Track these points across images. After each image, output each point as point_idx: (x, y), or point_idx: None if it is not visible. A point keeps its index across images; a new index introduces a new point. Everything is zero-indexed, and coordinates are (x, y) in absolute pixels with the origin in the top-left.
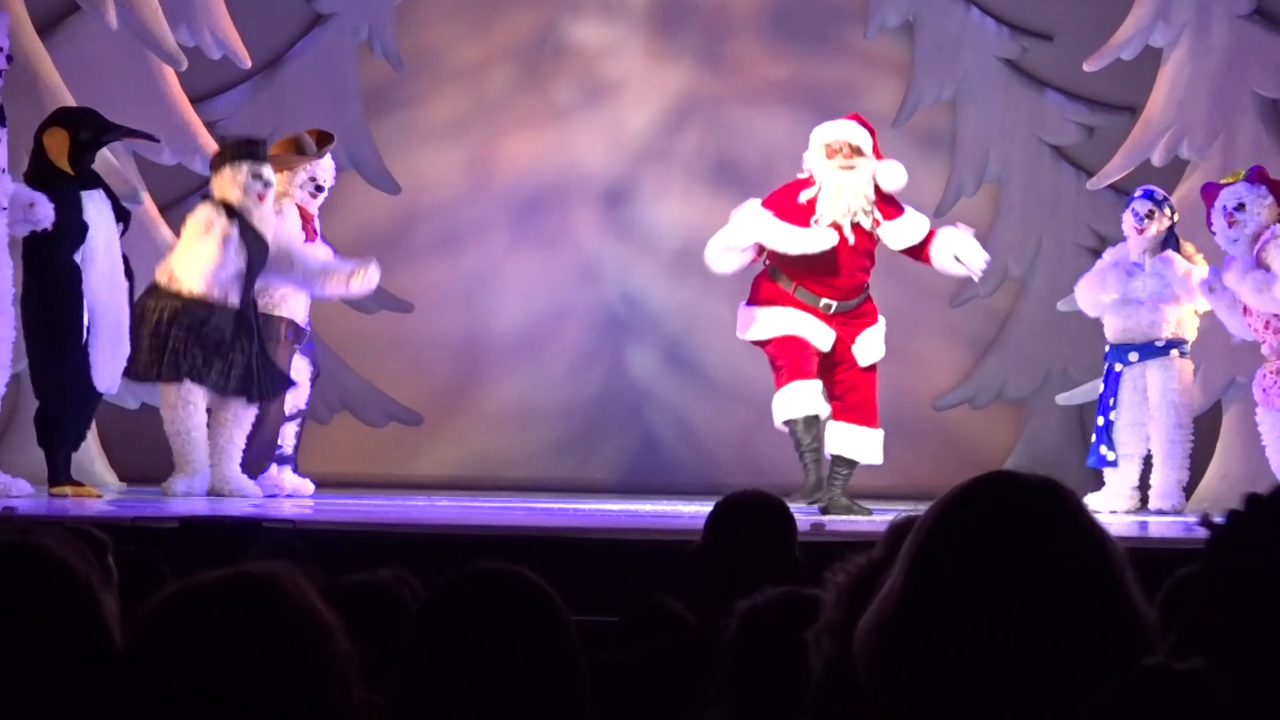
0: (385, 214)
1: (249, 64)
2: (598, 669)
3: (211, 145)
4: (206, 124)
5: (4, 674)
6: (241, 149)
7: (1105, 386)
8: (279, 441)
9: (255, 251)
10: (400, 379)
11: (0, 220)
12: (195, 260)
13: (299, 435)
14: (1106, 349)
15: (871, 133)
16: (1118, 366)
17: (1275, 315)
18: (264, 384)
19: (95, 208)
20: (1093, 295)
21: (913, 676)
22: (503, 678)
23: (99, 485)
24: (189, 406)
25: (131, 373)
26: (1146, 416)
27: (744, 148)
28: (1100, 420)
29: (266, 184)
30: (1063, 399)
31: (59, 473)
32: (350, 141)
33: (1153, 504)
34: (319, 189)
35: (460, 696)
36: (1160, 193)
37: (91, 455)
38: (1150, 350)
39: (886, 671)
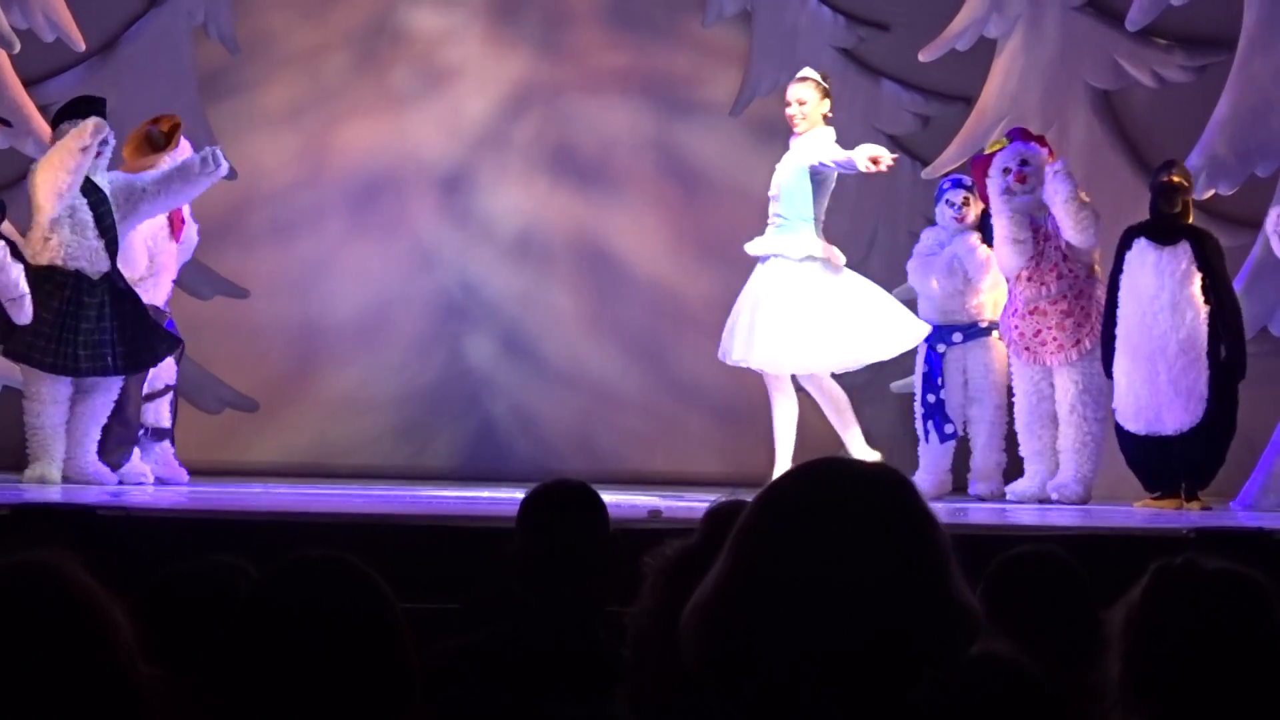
0: (221, 199)
1: (83, 47)
2: (438, 654)
3: (45, 129)
4: (40, 107)
5: None
6: (77, 105)
7: (929, 366)
8: (157, 419)
9: (101, 209)
10: (235, 365)
11: None
12: (44, 185)
13: (174, 410)
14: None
15: None
16: (940, 347)
17: (1065, 258)
18: (141, 354)
19: None
20: (922, 280)
21: (732, 657)
22: (327, 664)
23: None
24: (55, 404)
25: (11, 350)
26: (964, 399)
27: (582, 136)
28: (931, 399)
29: (105, 141)
30: (897, 386)
31: None
32: (186, 126)
33: (974, 489)
34: None
35: (285, 682)
36: (969, 179)
37: None
38: (975, 332)
39: (708, 651)
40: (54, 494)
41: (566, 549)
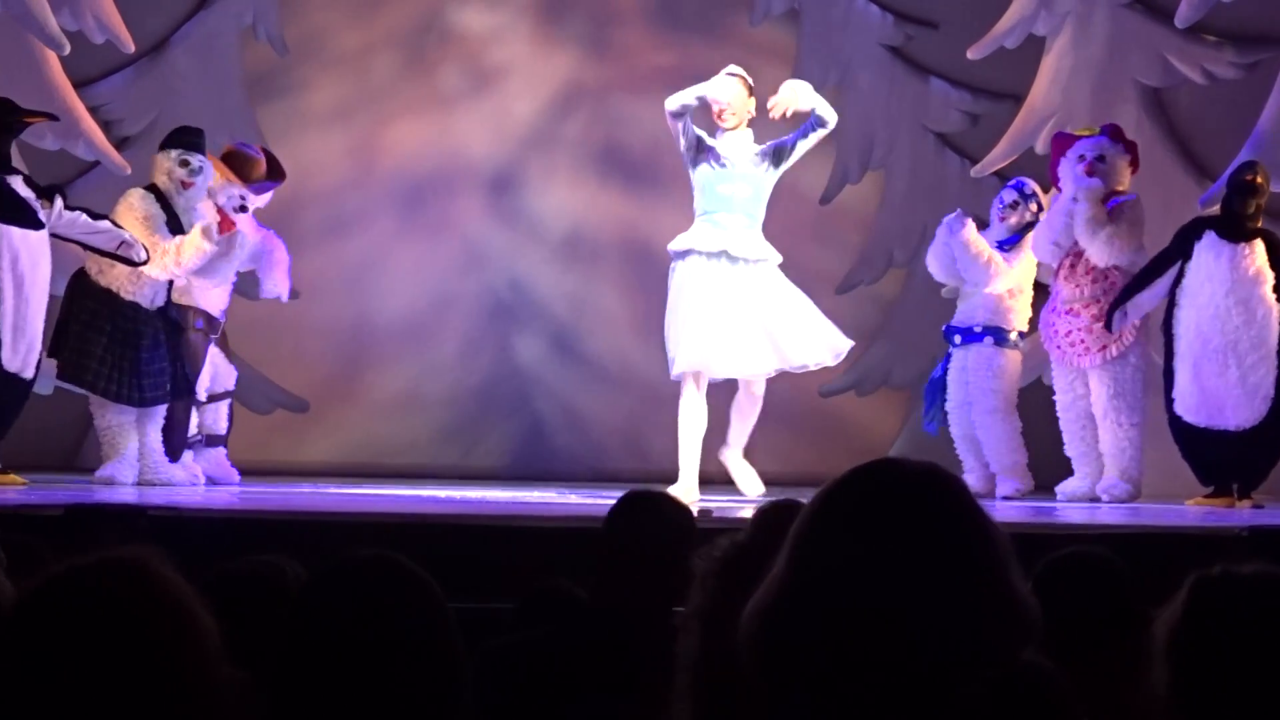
0: (270, 200)
1: (132, 48)
2: (491, 652)
3: (95, 131)
4: (90, 109)
5: None
6: (172, 136)
7: (941, 362)
8: (215, 423)
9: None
10: (285, 366)
11: None
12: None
13: (231, 417)
14: (944, 327)
15: None
16: (949, 347)
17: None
18: (177, 385)
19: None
20: (936, 264)
21: (793, 662)
22: (378, 663)
23: None
24: (117, 409)
25: (69, 372)
26: (966, 400)
27: (630, 135)
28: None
29: (194, 171)
30: None
31: None
32: (234, 127)
33: (1000, 490)
34: (243, 209)
35: (336, 681)
36: (1031, 186)
37: None
38: (969, 336)
39: (768, 657)
40: (106, 494)
41: (651, 562)
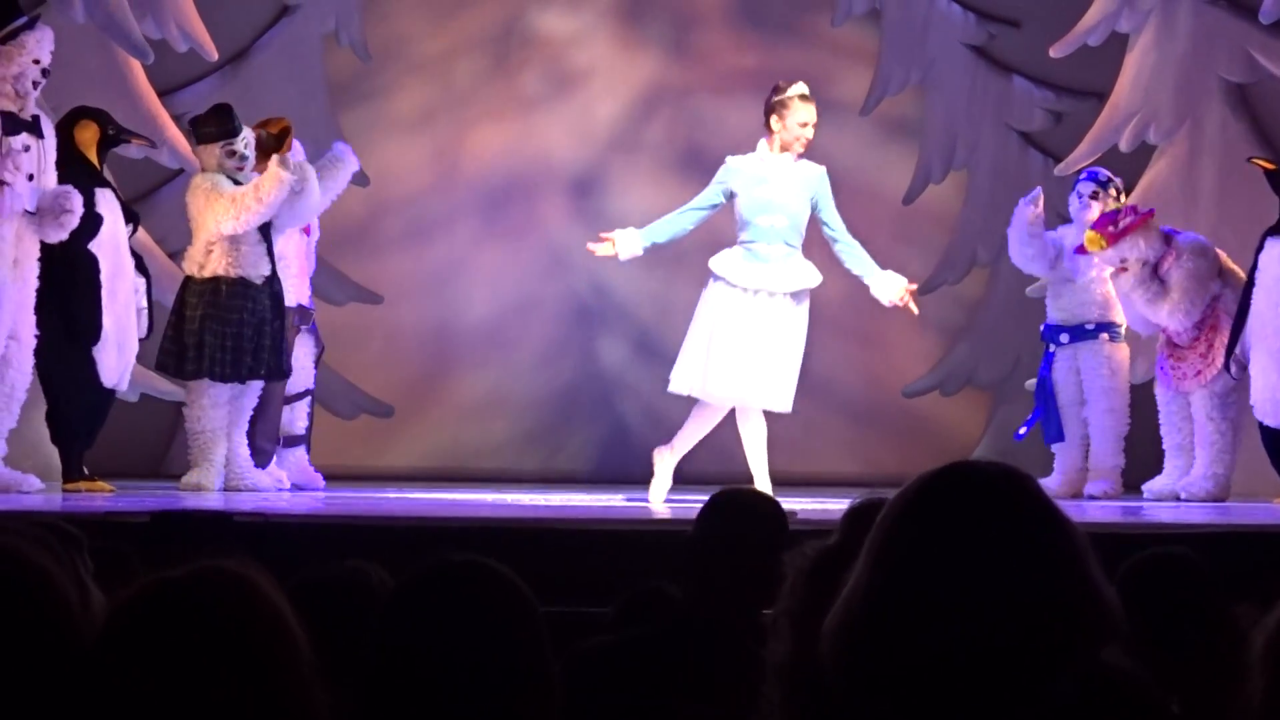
0: (354, 206)
1: (215, 56)
2: (587, 654)
3: (179, 139)
4: (174, 117)
5: None
6: (206, 125)
7: (1043, 363)
8: (291, 424)
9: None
10: (370, 371)
11: (27, 227)
12: (220, 222)
13: (310, 416)
14: (1042, 327)
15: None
16: (1051, 347)
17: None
18: (278, 363)
19: (107, 204)
20: (1020, 248)
21: (880, 671)
22: (469, 668)
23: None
24: (216, 408)
25: (168, 367)
26: (1079, 399)
27: (712, 137)
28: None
29: (242, 156)
30: (1031, 385)
31: (73, 469)
32: (318, 133)
33: (1089, 488)
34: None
35: (428, 687)
36: (1104, 173)
37: (45, 451)
38: (1080, 333)
39: (854, 667)
40: (193, 500)
41: (745, 562)
